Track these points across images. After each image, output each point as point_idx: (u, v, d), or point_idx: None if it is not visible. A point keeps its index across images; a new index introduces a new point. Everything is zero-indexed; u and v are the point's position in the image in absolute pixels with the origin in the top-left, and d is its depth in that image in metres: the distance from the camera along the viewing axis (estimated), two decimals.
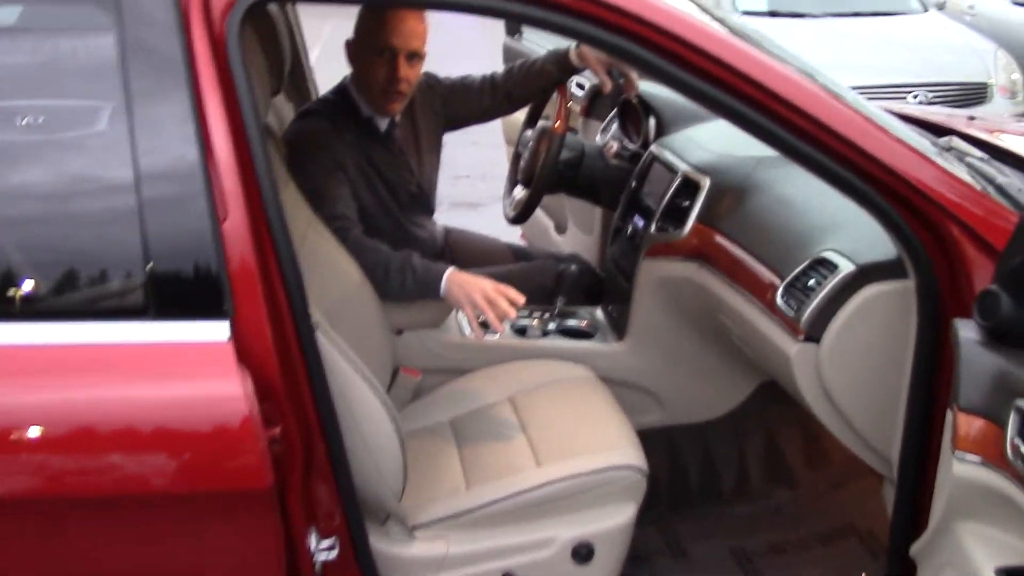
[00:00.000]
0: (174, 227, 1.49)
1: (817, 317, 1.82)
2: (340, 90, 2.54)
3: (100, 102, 1.52)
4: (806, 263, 1.89)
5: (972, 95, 6.39)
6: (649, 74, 1.67)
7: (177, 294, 1.50)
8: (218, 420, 1.47)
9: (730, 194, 2.27)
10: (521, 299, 2.12)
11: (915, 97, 6.20)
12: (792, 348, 1.85)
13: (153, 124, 1.49)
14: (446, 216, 3.02)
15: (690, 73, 1.61)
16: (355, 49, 2.47)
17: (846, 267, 1.81)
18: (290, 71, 2.92)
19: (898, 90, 6.06)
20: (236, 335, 1.50)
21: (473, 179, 6.54)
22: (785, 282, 1.92)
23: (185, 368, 1.49)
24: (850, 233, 1.90)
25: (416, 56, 2.43)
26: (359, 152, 2.47)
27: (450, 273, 2.21)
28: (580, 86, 3.41)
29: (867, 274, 1.79)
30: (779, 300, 1.91)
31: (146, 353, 1.49)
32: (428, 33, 2.46)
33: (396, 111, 2.51)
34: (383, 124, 2.53)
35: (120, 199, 1.49)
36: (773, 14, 7.24)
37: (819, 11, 7.39)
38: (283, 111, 2.84)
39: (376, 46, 2.40)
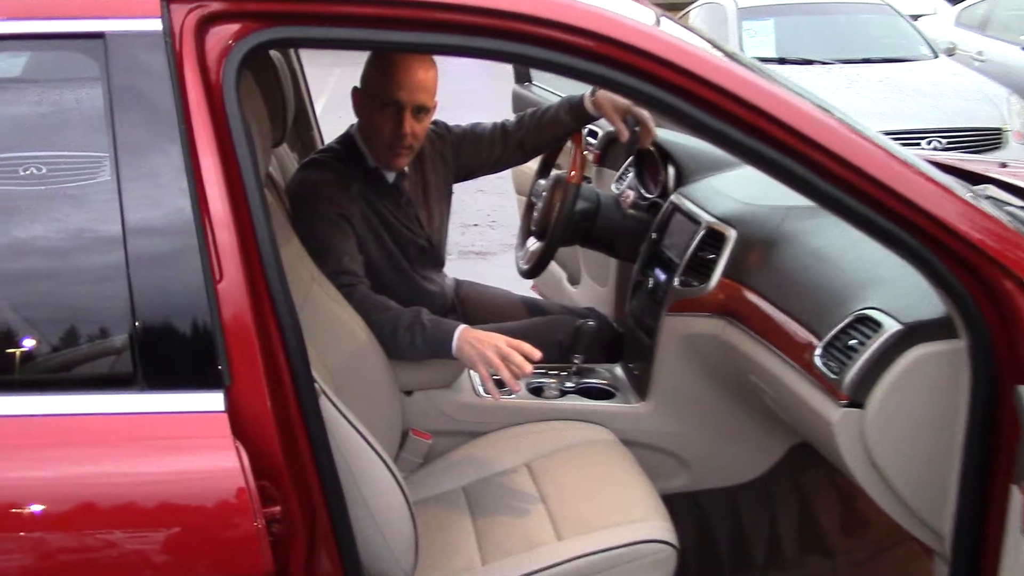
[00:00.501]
0: (164, 289, 1.37)
1: (861, 380, 1.68)
2: (345, 139, 2.44)
3: (86, 154, 1.41)
4: (846, 321, 1.76)
5: (987, 141, 6.31)
6: (676, 121, 1.56)
7: (167, 362, 1.37)
8: (210, 500, 1.34)
9: (758, 247, 2.15)
10: (537, 354, 2.00)
11: (929, 143, 6.11)
12: (834, 414, 1.72)
13: (142, 178, 1.37)
14: (455, 265, 2.92)
15: (718, 117, 1.49)
16: (361, 100, 2.37)
17: (891, 326, 1.68)
18: (294, 120, 2.83)
19: (912, 137, 5.98)
20: (232, 406, 1.37)
21: (482, 227, 6.50)
22: (824, 342, 1.79)
23: (174, 443, 1.36)
24: (893, 289, 1.77)
25: (424, 110, 2.33)
26: (365, 204, 2.36)
27: (461, 331, 2.09)
28: (593, 134, 3.31)
29: (914, 334, 1.66)
30: (817, 361, 1.78)
31: (131, 426, 1.36)
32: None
33: (402, 166, 2.41)
34: (391, 175, 2.42)
35: (105, 259, 1.37)
36: (782, 61, 7.22)
37: (828, 58, 7.35)
38: (286, 161, 2.75)
39: (382, 99, 2.30)
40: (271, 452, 1.40)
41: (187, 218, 1.37)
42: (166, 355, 1.37)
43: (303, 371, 1.46)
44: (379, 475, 1.66)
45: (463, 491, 2.12)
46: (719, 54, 1.58)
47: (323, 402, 1.57)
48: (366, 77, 2.35)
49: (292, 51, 2.94)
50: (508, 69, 4.29)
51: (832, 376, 1.73)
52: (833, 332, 1.77)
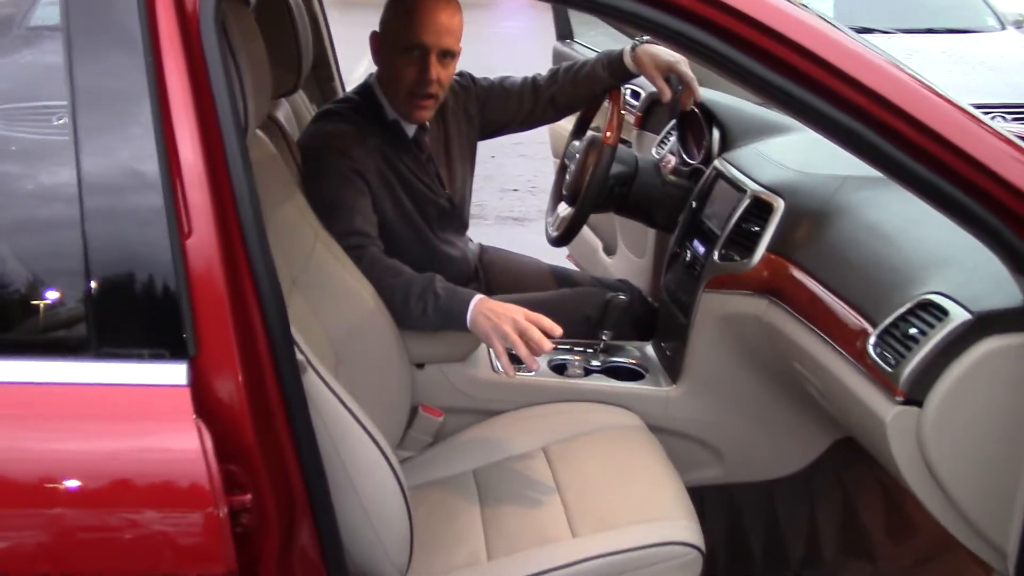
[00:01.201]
0: (124, 244, 1.20)
1: (921, 375, 1.48)
2: (364, 89, 2.26)
3: (33, 89, 1.24)
4: (906, 307, 1.55)
5: None
6: (729, 75, 1.36)
7: (125, 327, 1.21)
8: (164, 485, 1.17)
9: (808, 219, 1.94)
10: (558, 330, 1.83)
11: (993, 119, 5.79)
12: (888, 412, 1.51)
13: (101, 119, 1.20)
14: (492, 231, 2.76)
15: (782, 72, 1.30)
16: (380, 44, 2.19)
17: (959, 315, 1.47)
18: (314, 68, 2.65)
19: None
20: (196, 378, 1.20)
21: (522, 193, 6.37)
22: (879, 329, 1.58)
23: (127, 419, 1.20)
24: (961, 272, 1.56)
25: (449, 55, 2.15)
26: (382, 159, 2.18)
27: (477, 301, 1.91)
28: (635, 94, 3.10)
29: (985, 324, 1.45)
30: (871, 351, 1.57)
31: (81, 398, 1.20)
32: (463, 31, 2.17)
33: (425, 118, 2.22)
34: (411, 129, 2.24)
35: (57, 210, 1.21)
36: None
37: (889, 27, 7.00)
38: (303, 112, 2.57)
39: (404, 43, 2.11)
40: (241, 432, 1.24)
41: (152, 165, 1.19)
42: (123, 319, 1.21)
43: (283, 341, 1.29)
44: (372, 460, 1.49)
45: (473, 475, 1.96)
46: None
47: (309, 377, 1.41)
48: (386, 19, 2.17)
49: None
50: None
51: (888, 369, 1.53)
52: (891, 319, 1.57)
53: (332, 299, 1.91)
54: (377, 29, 2.19)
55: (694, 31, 1.30)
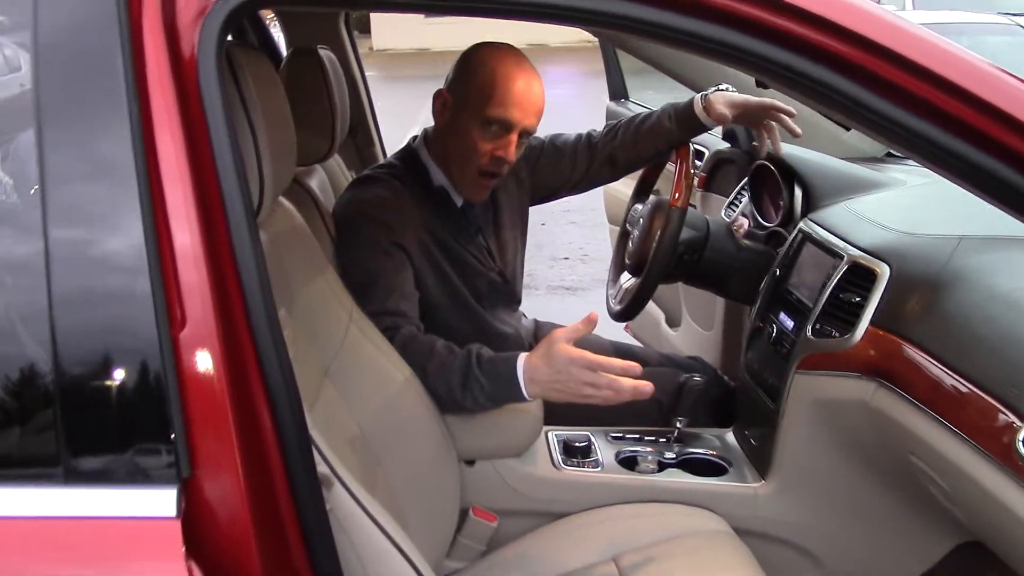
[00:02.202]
0: (99, 339, 0.97)
1: None
2: (406, 153, 2.03)
3: None
4: None
5: None
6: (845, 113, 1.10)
7: (101, 445, 0.96)
8: None
9: (921, 288, 1.66)
10: (636, 367, 1.59)
11: None
12: None
13: (74, 180, 0.98)
14: (543, 301, 2.53)
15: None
16: (451, 109, 1.94)
17: None
18: (353, 134, 2.45)
19: None
20: (190, 507, 0.96)
21: (573, 261, 6.19)
22: None
23: (99, 562, 0.94)
24: None
25: (527, 134, 1.93)
26: (426, 230, 1.94)
27: (524, 369, 1.67)
28: (699, 154, 2.85)
29: None
30: (1022, 448, 1.28)
31: (45, 536, 0.95)
32: None
33: (482, 199, 2.01)
34: (459, 197, 2.01)
35: (20, 297, 0.97)
36: None
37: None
38: (339, 179, 2.36)
39: (486, 115, 1.88)
40: (245, 570, 0.99)
41: (136, 240, 0.96)
42: (100, 435, 0.96)
43: (301, 455, 1.04)
44: None
45: None
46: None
47: (336, 493, 1.16)
48: (464, 81, 1.93)
49: (353, 57, 2.58)
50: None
51: None
52: None
53: (369, 389, 1.67)
54: (445, 87, 1.96)
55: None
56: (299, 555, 1.05)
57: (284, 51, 2.65)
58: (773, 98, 2.16)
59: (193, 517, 0.96)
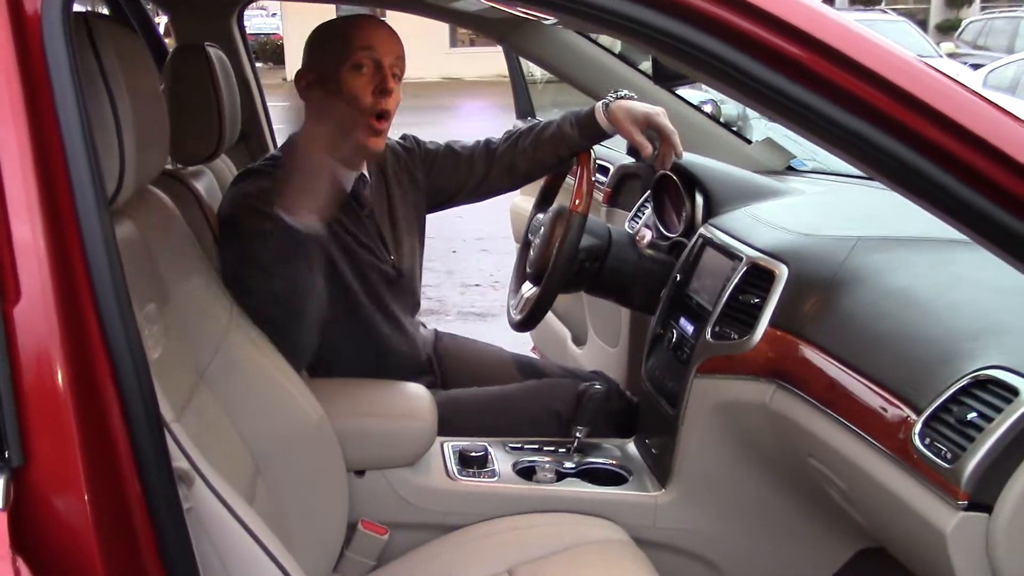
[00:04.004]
0: None
1: (988, 471, 1.16)
2: (288, 145, 1.96)
3: None
4: (959, 385, 1.25)
5: None
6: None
7: None
8: None
9: (819, 288, 1.64)
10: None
11: None
12: (948, 520, 1.19)
13: None
14: (454, 327, 2.47)
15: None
16: (317, 76, 1.88)
17: None
18: (244, 137, 2.37)
19: None
20: (20, 499, 0.86)
21: (484, 288, 6.17)
22: (925, 415, 1.26)
23: None
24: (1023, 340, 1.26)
25: (399, 69, 1.88)
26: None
27: None
28: (603, 170, 2.83)
29: None
30: (918, 443, 1.26)
31: None
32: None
33: (380, 147, 1.91)
34: (348, 180, 1.93)
35: None
36: None
37: None
38: (228, 183, 2.26)
39: (352, 59, 1.84)
40: (87, 571, 0.89)
41: None
42: None
43: (152, 443, 0.95)
44: None
45: None
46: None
47: (198, 490, 1.07)
48: (318, 52, 1.89)
49: (245, 57, 2.49)
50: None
51: (943, 465, 1.21)
52: (940, 401, 1.25)
53: (249, 394, 1.58)
54: (302, 68, 1.91)
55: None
56: (149, 554, 0.96)
57: None
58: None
59: (23, 511, 0.86)
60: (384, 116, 1.87)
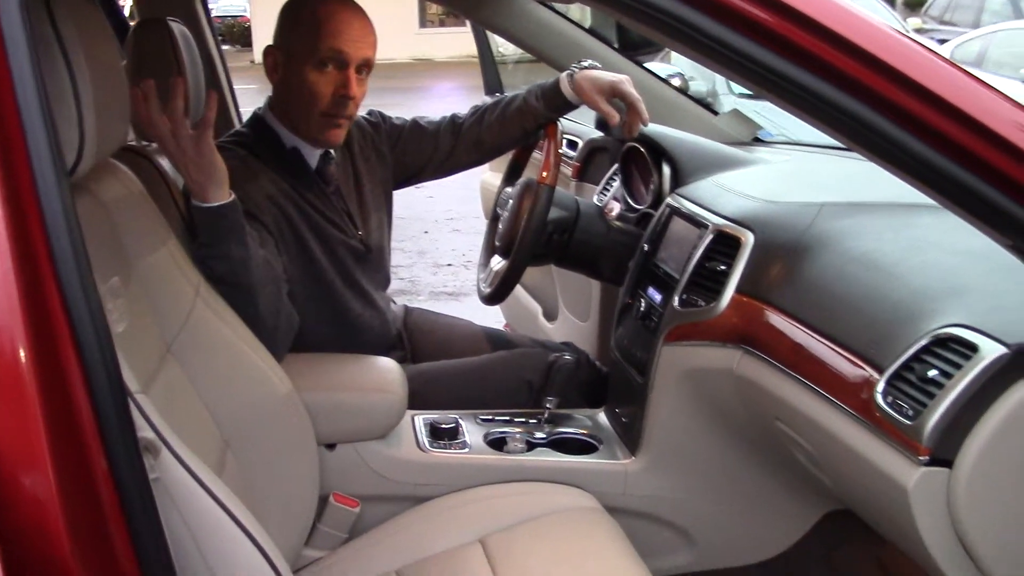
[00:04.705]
0: None
1: (949, 428, 1.18)
2: (253, 121, 1.95)
3: None
4: (921, 344, 1.26)
5: None
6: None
7: None
8: None
9: (784, 253, 1.65)
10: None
11: None
12: (910, 476, 1.21)
13: None
14: (425, 307, 2.47)
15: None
16: (282, 61, 1.89)
17: (991, 350, 1.18)
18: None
19: None
20: None
21: (456, 267, 6.17)
22: (888, 374, 1.28)
23: None
24: (984, 299, 1.28)
25: (367, 68, 1.87)
26: (282, 196, 1.87)
27: None
28: (571, 144, 2.83)
29: None
30: (880, 401, 1.27)
31: None
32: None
33: (339, 140, 1.92)
34: (313, 157, 1.93)
35: None
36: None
37: None
38: None
39: (319, 54, 1.83)
40: (52, 546, 0.89)
41: None
42: None
43: (116, 410, 0.95)
44: (252, 567, 1.14)
45: None
46: None
47: (164, 461, 1.06)
48: (288, 30, 1.88)
49: (208, 32, 2.47)
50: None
51: (905, 422, 1.22)
52: (902, 360, 1.27)
53: (217, 368, 1.57)
54: (273, 44, 1.90)
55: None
56: (116, 524, 0.95)
57: None
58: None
59: None
60: (345, 116, 1.87)
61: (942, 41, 10.96)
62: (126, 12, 2.85)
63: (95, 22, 1.28)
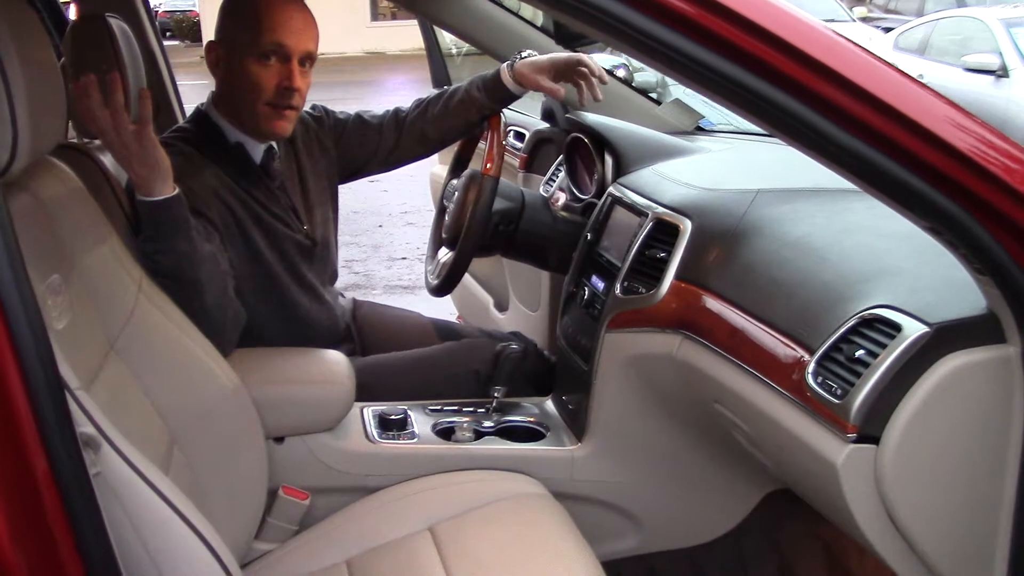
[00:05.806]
0: None
1: (875, 405, 1.22)
2: (196, 116, 1.95)
3: None
4: (847, 325, 1.30)
5: None
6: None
7: None
8: None
9: (721, 240, 1.69)
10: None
11: None
12: (839, 453, 1.25)
13: None
14: (380, 301, 2.48)
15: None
16: (226, 55, 1.89)
17: (913, 329, 1.22)
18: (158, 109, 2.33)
19: None
20: None
21: (411, 261, 6.18)
22: (818, 355, 1.32)
23: None
24: (908, 281, 1.33)
25: (310, 61, 1.88)
26: (227, 191, 1.87)
27: None
28: (519, 136, 2.85)
29: (947, 338, 1.21)
30: (811, 381, 1.31)
31: None
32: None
33: (285, 132, 1.92)
34: (257, 152, 1.93)
35: None
36: None
37: None
38: None
39: (261, 47, 1.83)
40: None
41: None
42: None
43: (52, 405, 0.96)
44: (196, 560, 1.15)
45: (346, 566, 1.63)
46: None
47: (105, 455, 1.07)
48: (229, 24, 1.88)
49: (149, 27, 2.45)
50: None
51: (834, 401, 1.26)
52: (830, 341, 1.31)
53: (161, 364, 1.57)
54: (214, 39, 1.89)
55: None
56: (57, 520, 0.96)
57: None
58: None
59: None
60: (289, 108, 1.88)
61: (887, 30, 11.15)
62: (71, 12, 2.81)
63: (27, 21, 1.28)
